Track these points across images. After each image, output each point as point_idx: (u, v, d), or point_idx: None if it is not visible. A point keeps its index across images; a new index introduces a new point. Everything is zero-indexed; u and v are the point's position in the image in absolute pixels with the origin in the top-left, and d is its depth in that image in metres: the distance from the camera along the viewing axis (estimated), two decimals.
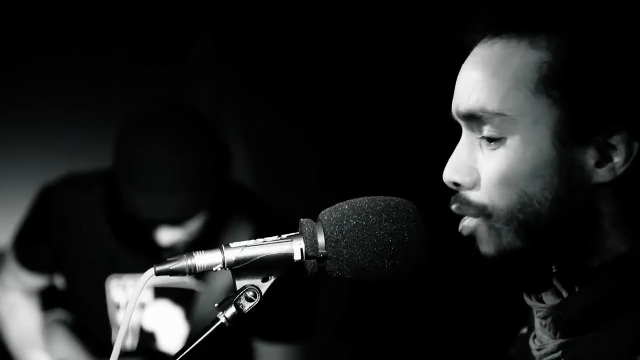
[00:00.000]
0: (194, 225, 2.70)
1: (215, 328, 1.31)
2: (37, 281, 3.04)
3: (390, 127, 3.61)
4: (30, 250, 3.00)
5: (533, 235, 1.33)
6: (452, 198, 1.41)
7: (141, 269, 1.29)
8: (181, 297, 2.87)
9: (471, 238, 1.39)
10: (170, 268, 1.30)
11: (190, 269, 1.30)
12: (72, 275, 2.97)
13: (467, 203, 1.38)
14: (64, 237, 2.92)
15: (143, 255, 2.77)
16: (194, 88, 3.90)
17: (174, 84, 3.90)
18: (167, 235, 2.68)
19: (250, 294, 1.31)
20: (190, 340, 1.31)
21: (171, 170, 2.62)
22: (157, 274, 1.29)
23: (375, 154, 3.63)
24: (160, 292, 2.87)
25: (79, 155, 3.68)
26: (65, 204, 2.92)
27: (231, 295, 1.32)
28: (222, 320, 1.30)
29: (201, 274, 2.77)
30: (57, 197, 2.93)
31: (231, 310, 1.31)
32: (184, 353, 1.31)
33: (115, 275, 2.88)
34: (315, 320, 2.93)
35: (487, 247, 1.37)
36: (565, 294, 1.41)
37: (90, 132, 3.85)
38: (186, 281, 2.86)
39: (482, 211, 1.36)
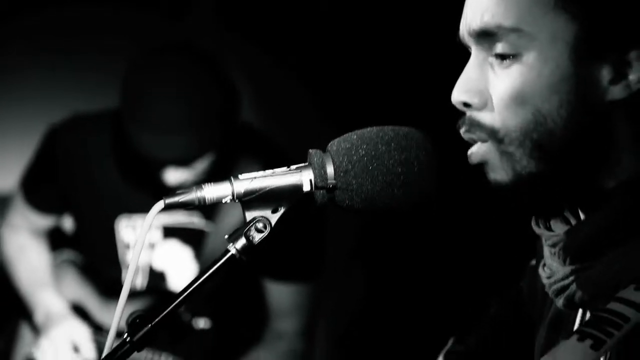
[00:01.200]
0: (201, 166, 2.70)
1: (226, 260, 1.31)
2: (45, 221, 3.05)
3: (393, 57, 3.59)
4: (37, 190, 3.01)
5: (548, 156, 1.32)
6: (461, 121, 1.39)
7: (149, 209, 1.29)
8: (190, 237, 2.88)
9: (481, 166, 1.38)
10: (180, 200, 1.29)
11: (199, 201, 1.29)
12: (81, 215, 2.98)
13: (478, 125, 1.36)
14: (71, 177, 2.92)
15: (151, 195, 2.77)
16: (199, 31, 3.87)
17: (178, 30, 3.88)
18: (174, 176, 2.68)
19: (260, 225, 1.31)
20: (200, 273, 1.31)
21: (178, 111, 2.61)
22: (167, 206, 1.29)
23: (380, 87, 3.62)
24: (170, 232, 2.89)
25: (85, 96, 3.68)
26: (72, 144, 2.91)
27: (241, 227, 1.31)
28: (233, 251, 1.30)
29: (210, 214, 2.81)
30: (63, 138, 2.93)
31: (241, 241, 1.30)
32: (195, 284, 1.31)
33: (124, 215, 2.88)
34: (324, 256, 2.94)
35: (499, 174, 1.36)
36: (573, 221, 1.41)
37: (97, 72, 3.83)
38: (195, 221, 2.87)
39: (493, 135, 1.34)
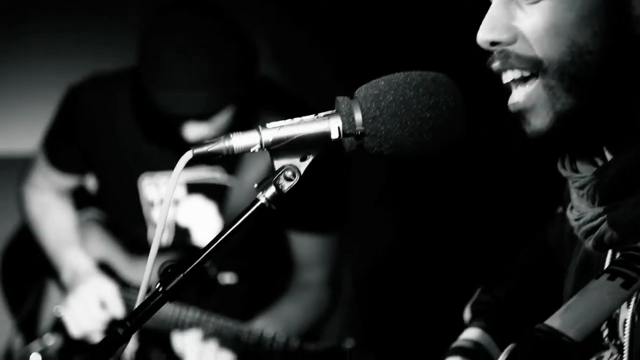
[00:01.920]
0: (221, 120, 2.70)
1: (256, 209, 1.30)
2: (68, 181, 3.06)
3: (407, 14, 3.56)
4: (59, 150, 3.01)
5: (584, 91, 1.31)
6: (491, 58, 1.38)
7: (171, 167, 1.28)
8: (213, 193, 2.88)
9: (520, 114, 1.37)
10: (208, 150, 1.29)
11: (227, 151, 1.29)
12: (104, 175, 2.99)
13: (517, 56, 1.34)
14: (92, 137, 2.93)
15: (173, 152, 2.77)
16: None
17: None
18: (195, 131, 2.68)
19: (289, 173, 1.30)
20: (230, 223, 1.31)
21: (196, 66, 2.60)
22: (195, 156, 1.28)
23: (396, 44, 3.59)
24: (193, 189, 2.89)
25: (103, 56, 3.67)
26: (92, 104, 2.91)
27: (270, 176, 1.30)
28: (262, 200, 1.30)
29: (232, 169, 2.81)
30: (83, 98, 2.93)
31: (271, 190, 1.30)
32: (225, 234, 1.31)
33: (146, 173, 2.89)
34: (349, 206, 2.94)
35: (540, 118, 1.35)
36: (601, 163, 1.40)
37: (114, 31, 3.82)
38: (217, 177, 2.87)
39: (536, 65, 1.33)
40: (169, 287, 1.28)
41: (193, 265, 1.29)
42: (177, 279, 1.28)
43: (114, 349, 1.26)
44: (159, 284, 1.28)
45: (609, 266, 1.35)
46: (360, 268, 3.74)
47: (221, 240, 1.31)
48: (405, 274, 3.74)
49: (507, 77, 1.38)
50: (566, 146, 1.40)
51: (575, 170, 1.43)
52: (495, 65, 1.38)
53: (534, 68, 1.34)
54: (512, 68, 1.36)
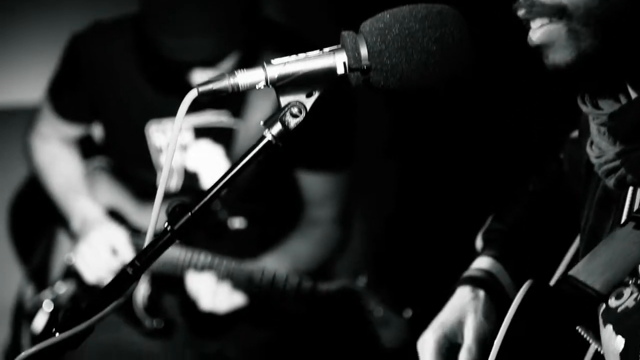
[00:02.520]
0: (226, 65, 2.69)
1: (262, 146, 1.30)
2: (74, 130, 3.06)
3: None
4: (64, 99, 3.00)
5: (612, 33, 1.29)
6: (516, 4, 1.36)
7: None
8: (220, 136, 2.87)
9: (541, 47, 1.35)
10: (213, 88, 1.28)
11: (232, 88, 1.28)
12: (110, 123, 2.98)
13: (542, 4, 1.32)
14: (97, 85, 2.91)
15: (179, 98, 2.75)
16: None
17: None
18: (201, 77, 2.68)
19: (295, 110, 1.29)
20: (237, 161, 1.30)
21: (202, 12, 2.59)
22: (200, 94, 1.28)
23: None
24: (200, 133, 2.88)
25: (106, 3, 3.63)
26: (96, 52, 2.90)
27: (276, 113, 1.30)
28: (269, 137, 1.29)
29: (238, 112, 2.80)
30: (86, 46, 2.91)
31: (277, 127, 1.29)
32: (232, 172, 1.30)
33: (153, 120, 2.88)
34: (354, 144, 2.93)
35: (561, 54, 1.32)
36: (624, 100, 1.38)
37: None
38: (224, 120, 2.86)
39: (560, 12, 1.31)
40: (177, 226, 1.28)
41: (201, 204, 1.29)
42: (185, 217, 1.28)
43: (124, 289, 1.27)
44: (166, 223, 1.28)
45: (633, 214, 1.33)
46: (370, 216, 3.74)
47: (229, 178, 1.30)
48: (414, 221, 3.75)
49: (535, 24, 1.35)
50: (588, 81, 1.38)
51: (596, 106, 1.41)
52: (521, 12, 1.35)
53: (559, 14, 1.31)
54: (538, 16, 1.34)
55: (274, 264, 2.78)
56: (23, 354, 1.23)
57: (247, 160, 1.30)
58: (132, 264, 1.27)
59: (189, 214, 1.28)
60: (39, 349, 1.23)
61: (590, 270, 1.30)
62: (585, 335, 1.31)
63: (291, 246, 2.88)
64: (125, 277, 1.27)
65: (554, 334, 1.32)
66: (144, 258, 1.27)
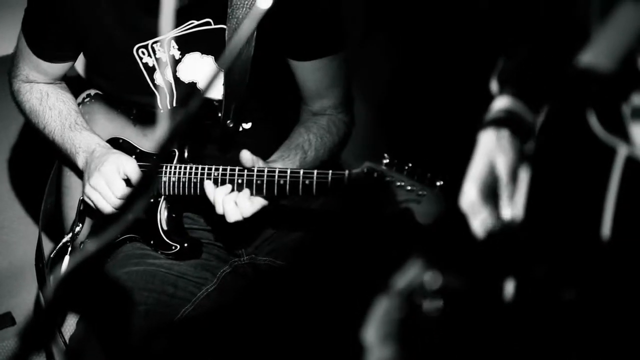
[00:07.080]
0: None
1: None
2: (61, 68, 3.02)
3: None
4: (44, 38, 2.94)
5: None
6: None
7: (164, 32, 1.21)
8: (209, 43, 2.80)
9: None
10: None
11: None
12: (97, 51, 2.90)
13: None
14: (75, 16, 2.83)
15: (162, 18, 2.68)
16: None
17: None
18: None
19: None
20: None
21: None
22: None
23: None
24: (188, 46, 2.80)
25: None
26: None
27: None
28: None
29: (222, 18, 2.72)
30: None
31: None
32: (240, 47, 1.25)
33: (140, 41, 2.80)
34: (342, 26, 2.86)
35: None
36: None
37: None
38: (208, 28, 2.78)
39: None
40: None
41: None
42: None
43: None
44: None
45: None
46: (369, 99, 3.69)
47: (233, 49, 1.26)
48: (415, 99, 3.70)
49: None
50: None
51: None
52: None
53: None
54: None
55: (287, 164, 2.73)
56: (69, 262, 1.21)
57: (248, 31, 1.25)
58: None
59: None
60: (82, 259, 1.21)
61: (597, 52, 1.29)
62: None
63: (298, 139, 2.83)
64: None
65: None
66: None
